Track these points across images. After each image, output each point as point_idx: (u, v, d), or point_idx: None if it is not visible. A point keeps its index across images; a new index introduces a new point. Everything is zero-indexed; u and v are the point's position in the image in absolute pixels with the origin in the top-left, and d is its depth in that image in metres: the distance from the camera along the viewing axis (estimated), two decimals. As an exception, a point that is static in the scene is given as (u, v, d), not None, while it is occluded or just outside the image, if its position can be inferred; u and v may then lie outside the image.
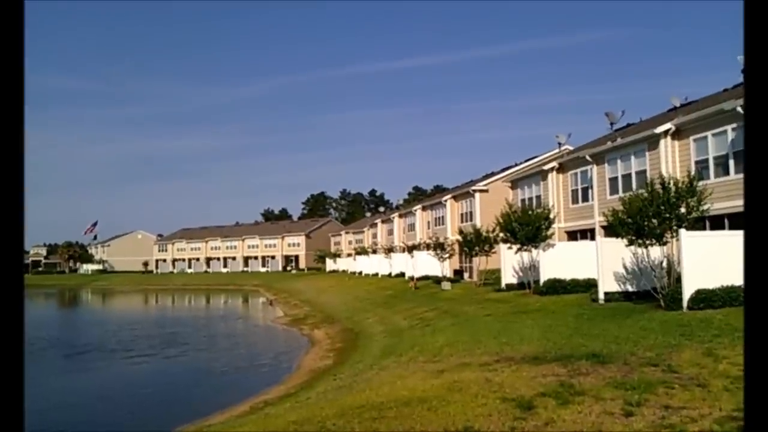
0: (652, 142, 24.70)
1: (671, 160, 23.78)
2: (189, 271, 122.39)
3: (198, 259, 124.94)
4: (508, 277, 28.31)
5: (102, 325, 41.41)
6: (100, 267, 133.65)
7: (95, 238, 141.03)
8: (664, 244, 17.66)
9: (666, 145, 24.01)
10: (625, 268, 20.05)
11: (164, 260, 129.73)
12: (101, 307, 67.16)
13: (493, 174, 48.15)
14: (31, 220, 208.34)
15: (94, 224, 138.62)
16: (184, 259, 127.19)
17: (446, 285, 35.72)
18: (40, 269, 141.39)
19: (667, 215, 17.09)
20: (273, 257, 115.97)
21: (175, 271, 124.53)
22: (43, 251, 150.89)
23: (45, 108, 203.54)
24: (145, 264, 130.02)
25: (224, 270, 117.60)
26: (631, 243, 18.00)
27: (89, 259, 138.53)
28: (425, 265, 44.39)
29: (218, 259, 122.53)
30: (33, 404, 17.46)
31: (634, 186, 24.67)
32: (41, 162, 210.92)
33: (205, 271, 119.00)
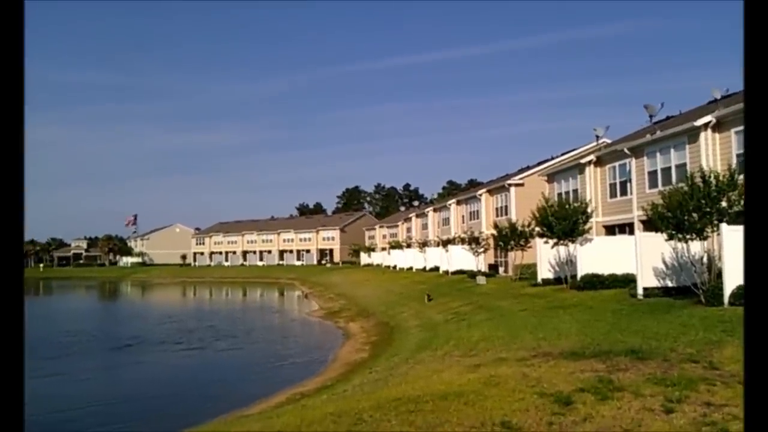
0: (693, 134, 24.22)
1: (712, 153, 23.30)
2: (226, 264, 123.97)
3: (234, 253, 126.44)
4: (545, 272, 28.06)
5: (143, 317, 42.30)
6: (139, 260, 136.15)
7: (135, 231, 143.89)
8: (705, 238, 17.32)
9: (706, 137, 23.53)
10: (665, 263, 19.73)
11: (202, 253, 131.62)
12: (141, 300, 68.46)
13: (528, 168, 47.71)
14: (71, 213, 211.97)
15: (135, 217, 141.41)
16: (221, 253, 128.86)
17: (481, 279, 35.56)
18: (81, 262, 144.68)
19: (708, 209, 16.75)
20: (308, 251, 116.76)
21: (212, 264, 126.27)
22: (84, 244, 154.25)
23: (87, 104, 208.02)
24: (183, 257, 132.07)
25: (260, 263, 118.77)
26: (670, 237, 17.70)
27: (129, 252, 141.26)
28: (460, 259, 44.23)
29: (254, 252, 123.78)
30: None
31: (673, 180, 24.23)
32: (82, 157, 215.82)
33: (242, 264, 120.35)
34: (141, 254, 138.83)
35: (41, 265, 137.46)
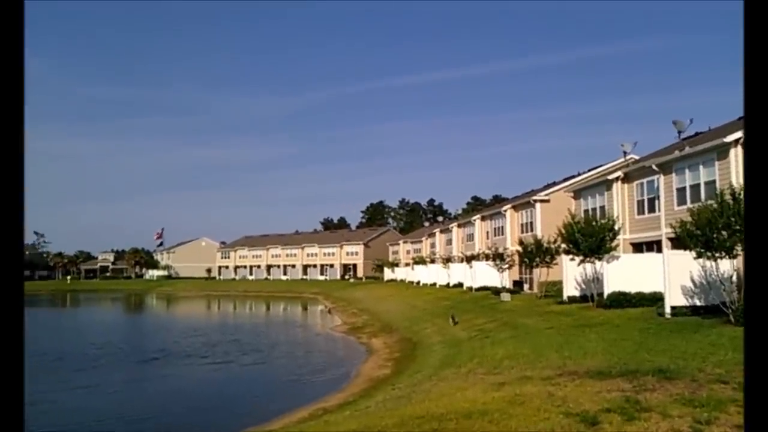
0: (722, 151, 23.90)
1: (742, 170, 22.95)
2: (250, 278, 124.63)
3: (259, 267, 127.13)
4: (570, 290, 27.79)
5: (169, 330, 42.56)
6: (165, 273, 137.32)
7: (161, 244, 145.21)
8: (735, 257, 17.05)
9: (736, 154, 23.19)
10: (693, 281, 19.44)
11: (227, 267, 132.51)
12: (166, 313, 68.99)
13: (554, 183, 47.43)
14: (99, 226, 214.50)
15: (162, 230, 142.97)
16: (245, 266, 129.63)
17: (506, 296, 35.30)
18: (108, 275, 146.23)
19: (738, 227, 16.48)
20: (331, 265, 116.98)
21: (236, 277, 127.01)
22: (111, 257, 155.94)
23: (116, 118, 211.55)
24: (209, 270, 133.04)
25: (284, 277, 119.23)
26: (699, 255, 17.44)
27: (155, 265, 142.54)
28: (484, 275, 43.98)
29: (278, 266, 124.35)
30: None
31: (702, 197, 23.91)
32: (111, 171, 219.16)
33: (266, 278, 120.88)
34: (167, 267, 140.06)
35: (68, 277, 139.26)
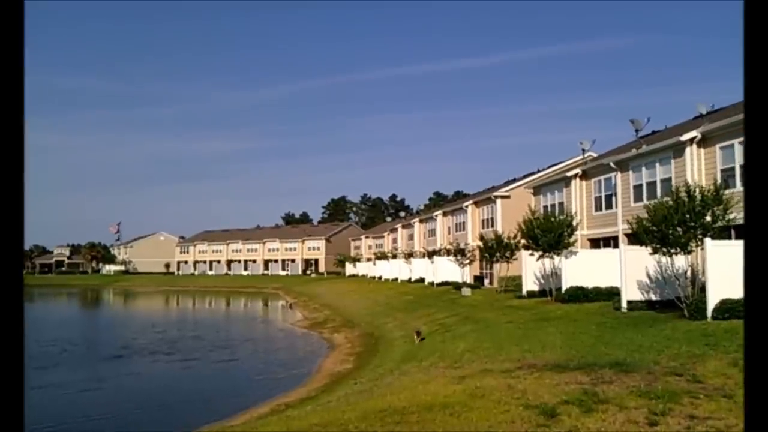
0: (678, 149, 24.48)
1: (697, 168, 23.54)
2: (210, 273, 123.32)
3: (219, 262, 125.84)
4: (530, 284, 28.16)
5: (127, 327, 41.60)
6: (123, 268, 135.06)
7: (118, 239, 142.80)
8: (689, 252, 17.48)
9: (692, 152, 23.78)
10: (649, 276, 19.87)
11: (186, 262, 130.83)
12: (124, 309, 67.85)
13: (515, 180, 47.99)
14: (54, 220, 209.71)
15: (119, 224, 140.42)
16: (205, 261, 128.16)
17: (466, 291, 35.61)
18: (64, 269, 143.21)
19: (693, 224, 16.91)
20: (293, 261, 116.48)
21: (196, 273, 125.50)
22: (67, 251, 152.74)
23: (68, 110, 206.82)
24: (167, 266, 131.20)
25: (245, 273, 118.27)
26: (655, 251, 17.83)
27: (112, 260, 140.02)
28: (445, 270, 44.29)
29: (239, 261, 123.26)
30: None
31: (658, 194, 24.45)
32: (65, 163, 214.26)
33: (226, 274, 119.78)
34: (124, 262, 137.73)
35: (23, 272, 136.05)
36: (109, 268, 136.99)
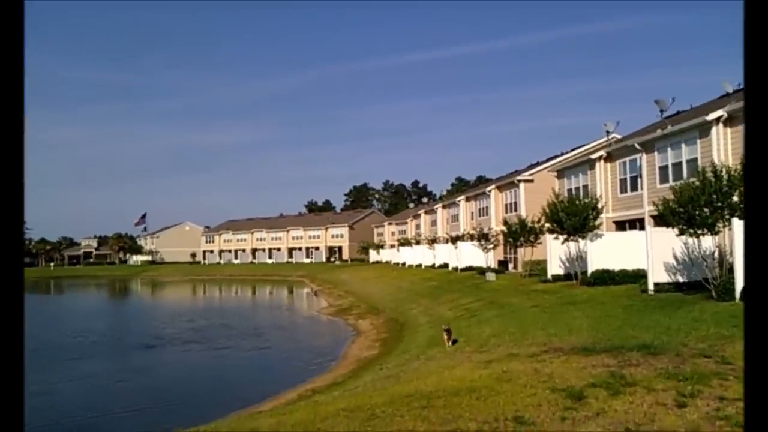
0: (704, 129, 24.11)
1: (723, 148, 23.18)
2: (235, 261, 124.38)
3: (244, 250, 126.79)
4: (555, 268, 28.03)
5: (158, 317, 42.06)
6: (149, 258, 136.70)
7: (145, 230, 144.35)
8: (716, 233, 17.26)
9: (718, 132, 23.42)
10: (676, 258, 19.68)
11: (211, 251, 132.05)
12: (152, 298, 68.75)
13: (538, 163, 47.62)
14: (82, 212, 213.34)
15: (143, 216, 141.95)
16: (230, 250, 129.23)
17: (491, 276, 35.54)
18: (91, 260, 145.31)
19: (719, 204, 16.69)
20: (317, 248, 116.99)
21: (221, 262, 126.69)
22: (94, 243, 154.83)
23: (96, 103, 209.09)
24: (193, 255, 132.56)
25: (269, 261, 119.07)
26: (681, 233, 17.64)
27: (139, 251, 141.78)
28: (469, 255, 44.21)
29: (263, 250, 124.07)
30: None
31: (684, 175, 24.15)
32: (92, 156, 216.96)
33: (251, 262, 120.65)
34: (151, 252, 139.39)
35: (52, 264, 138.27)
36: (136, 259, 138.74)
